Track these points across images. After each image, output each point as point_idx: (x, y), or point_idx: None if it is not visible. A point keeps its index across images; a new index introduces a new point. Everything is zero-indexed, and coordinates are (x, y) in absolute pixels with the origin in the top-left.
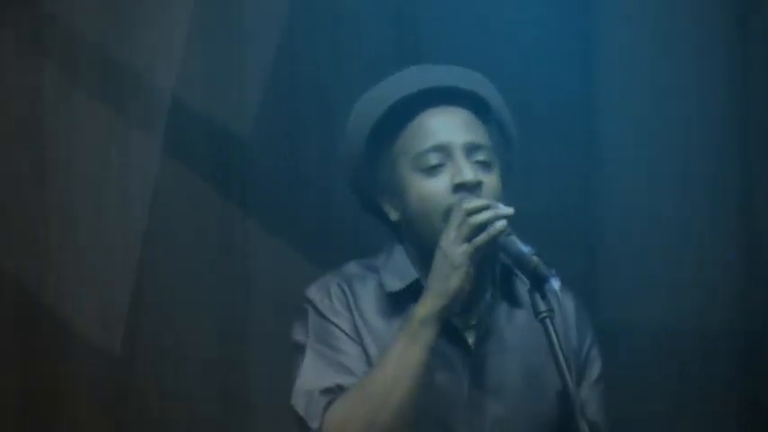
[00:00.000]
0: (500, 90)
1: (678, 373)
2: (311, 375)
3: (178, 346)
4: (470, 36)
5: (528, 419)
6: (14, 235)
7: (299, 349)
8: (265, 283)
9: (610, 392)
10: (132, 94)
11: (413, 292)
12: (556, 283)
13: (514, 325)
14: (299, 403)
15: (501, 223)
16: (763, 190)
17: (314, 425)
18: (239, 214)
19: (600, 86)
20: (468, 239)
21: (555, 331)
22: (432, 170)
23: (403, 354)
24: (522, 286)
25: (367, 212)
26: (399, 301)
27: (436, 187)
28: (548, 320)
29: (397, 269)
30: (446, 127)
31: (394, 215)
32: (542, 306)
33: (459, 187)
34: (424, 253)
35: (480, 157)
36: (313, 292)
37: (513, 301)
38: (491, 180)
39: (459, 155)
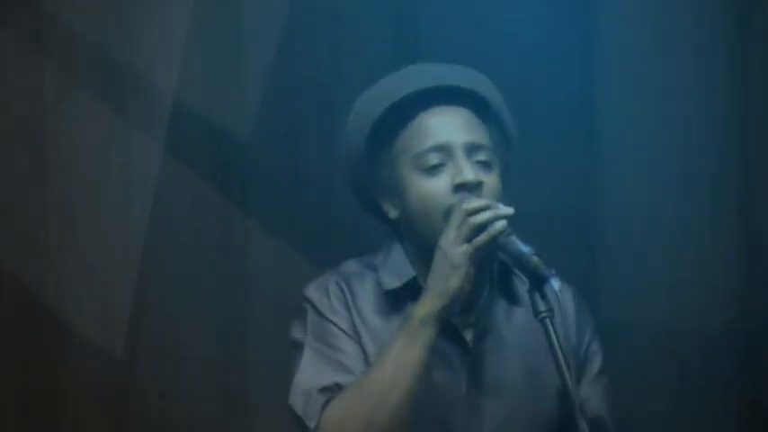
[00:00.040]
0: (500, 90)
1: (678, 373)
2: (309, 374)
3: (178, 346)
4: (470, 36)
5: (527, 418)
6: (14, 235)
7: (298, 347)
8: (265, 283)
9: None
10: (132, 94)
11: (410, 291)
12: (556, 283)
13: (513, 323)
14: (296, 402)
15: (501, 223)
16: (763, 190)
17: (311, 424)
18: (239, 214)
19: (600, 86)
20: (469, 240)
21: (555, 331)
22: (432, 170)
23: (402, 353)
24: (521, 283)
25: (366, 211)
26: (397, 300)
27: (437, 187)
28: (547, 321)
29: (395, 267)
30: (447, 127)
31: (393, 214)
32: (542, 306)
33: (460, 187)
34: (423, 252)
35: (481, 157)
36: (312, 291)
37: (512, 299)
38: (491, 180)
39: (459, 155)
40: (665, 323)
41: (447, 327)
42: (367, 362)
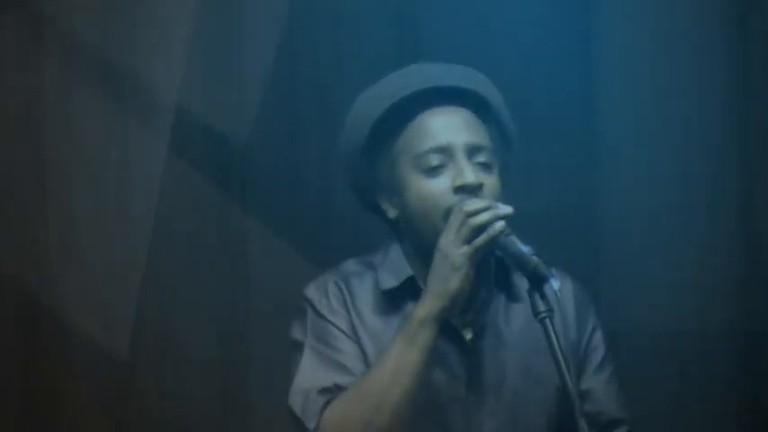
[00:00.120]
0: (500, 90)
1: (678, 373)
2: (309, 374)
3: (178, 346)
4: (470, 36)
5: (527, 417)
6: (14, 235)
7: (298, 348)
8: (265, 283)
9: None
10: (132, 94)
11: (408, 290)
12: (555, 284)
13: (512, 320)
14: (296, 402)
15: (500, 224)
16: (763, 190)
17: (311, 425)
18: (239, 214)
19: (600, 86)
20: (468, 241)
21: (554, 331)
22: (432, 171)
23: (401, 354)
24: (520, 279)
25: (366, 210)
26: (396, 299)
27: (437, 188)
28: (547, 321)
29: (393, 267)
30: (447, 128)
31: (392, 213)
32: (542, 306)
33: (460, 189)
34: (421, 251)
35: (481, 158)
36: (311, 291)
37: (511, 296)
38: (491, 181)
39: (460, 156)
40: (666, 323)
41: (446, 326)
42: (366, 362)
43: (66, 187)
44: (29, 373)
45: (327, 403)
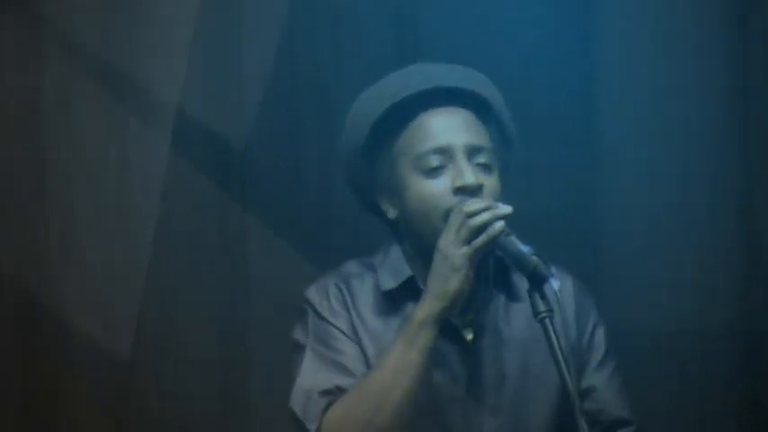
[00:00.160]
0: (500, 90)
1: (678, 373)
2: (310, 376)
3: (178, 346)
4: (470, 36)
5: (528, 416)
6: (14, 235)
7: (299, 350)
8: (265, 283)
9: None
10: (132, 94)
11: (409, 290)
12: (555, 283)
13: (512, 320)
14: (297, 404)
15: (500, 224)
16: (763, 190)
17: (312, 426)
18: (239, 214)
19: (600, 86)
20: (468, 242)
21: (554, 331)
22: (432, 172)
23: (402, 356)
24: (519, 277)
25: (366, 211)
26: (396, 300)
27: (437, 189)
28: (547, 321)
29: (393, 268)
30: (447, 128)
31: (392, 213)
32: (542, 306)
33: (460, 190)
34: (421, 252)
35: (481, 159)
36: (312, 293)
37: (511, 295)
38: (491, 182)
39: (460, 157)
40: (666, 323)
41: (447, 326)
42: (367, 363)
43: (66, 187)
44: (29, 373)
45: (329, 405)
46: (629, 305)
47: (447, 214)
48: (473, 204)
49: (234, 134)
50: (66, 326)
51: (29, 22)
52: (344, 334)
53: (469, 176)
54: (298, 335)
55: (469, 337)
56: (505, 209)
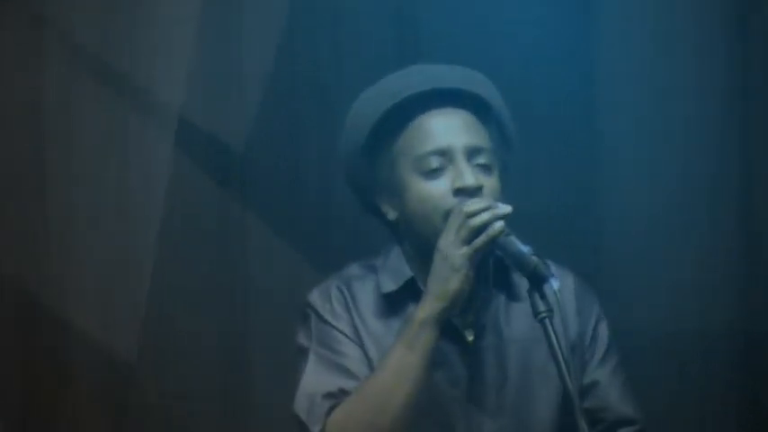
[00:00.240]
0: (500, 90)
1: (678, 373)
2: (313, 379)
3: (178, 346)
4: (470, 36)
5: (529, 416)
6: (14, 235)
7: (303, 353)
8: (265, 283)
9: None
10: (132, 94)
11: (409, 292)
12: (555, 283)
13: (513, 320)
14: (301, 407)
15: (499, 224)
16: (763, 190)
17: (315, 429)
18: (239, 214)
19: (600, 86)
20: (468, 242)
21: (554, 331)
22: (432, 173)
23: (403, 357)
24: (519, 278)
25: (366, 211)
26: (397, 302)
27: (437, 190)
28: (547, 321)
29: (393, 270)
30: (447, 130)
31: (392, 215)
32: (541, 306)
33: (460, 191)
34: (422, 253)
35: (481, 160)
36: (314, 297)
37: (511, 295)
38: (491, 183)
39: (460, 158)
40: (666, 323)
41: (447, 327)
42: (370, 365)
43: (66, 187)
44: (29, 373)
45: (332, 408)
46: (629, 305)
47: (447, 215)
48: (473, 204)
49: (234, 134)
50: (67, 326)
51: (29, 22)
52: (347, 337)
53: (469, 178)
54: (301, 339)
55: (470, 337)
56: (505, 209)
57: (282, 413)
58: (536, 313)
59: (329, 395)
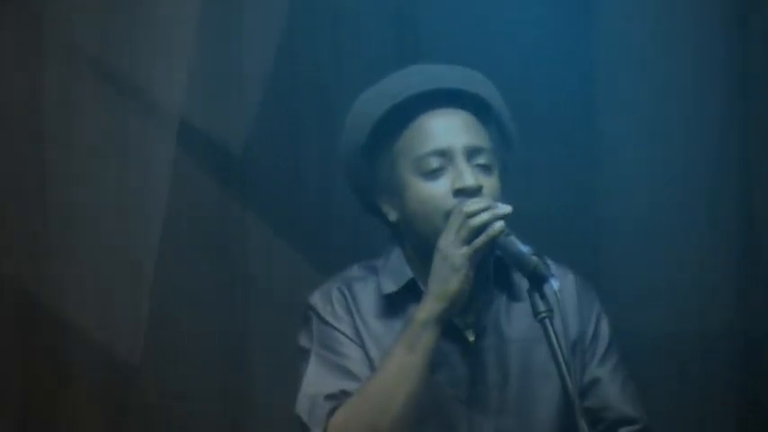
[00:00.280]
0: (500, 90)
1: (678, 373)
2: (315, 381)
3: (178, 346)
4: (470, 36)
5: (531, 415)
6: (14, 235)
7: (305, 355)
8: (265, 283)
9: None
10: (132, 94)
11: (410, 292)
12: (555, 283)
13: (514, 319)
14: (302, 409)
15: (499, 224)
16: (763, 190)
17: (317, 431)
18: (239, 214)
19: (600, 86)
20: (468, 242)
21: (554, 332)
22: (432, 174)
23: (404, 358)
24: (520, 278)
25: (366, 212)
26: (398, 303)
27: (437, 191)
28: (547, 321)
29: (394, 271)
30: (447, 130)
31: (393, 215)
32: (542, 306)
33: (460, 192)
34: (422, 253)
35: (481, 160)
36: (315, 299)
37: (512, 295)
38: (491, 183)
39: (459, 159)
40: (666, 323)
41: (448, 327)
42: (372, 366)
43: (66, 187)
44: (29, 373)
45: (334, 409)
46: (629, 305)
47: (447, 216)
48: (473, 204)
49: (234, 134)
50: (67, 326)
51: (29, 22)
52: (348, 338)
53: (469, 178)
54: (302, 341)
55: (471, 337)
56: (505, 209)
57: (283, 413)
58: (536, 313)
59: (331, 396)
